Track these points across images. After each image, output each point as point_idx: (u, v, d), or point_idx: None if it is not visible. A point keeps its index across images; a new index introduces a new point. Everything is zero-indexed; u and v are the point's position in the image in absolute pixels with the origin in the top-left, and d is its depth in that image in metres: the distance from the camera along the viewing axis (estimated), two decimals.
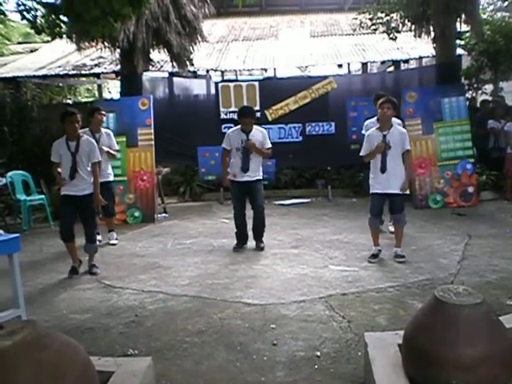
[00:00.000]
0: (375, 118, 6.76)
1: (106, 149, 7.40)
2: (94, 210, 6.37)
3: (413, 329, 2.71)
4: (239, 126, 6.87)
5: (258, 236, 7.03)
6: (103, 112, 7.62)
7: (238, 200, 6.97)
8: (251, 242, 7.08)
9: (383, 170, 6.01)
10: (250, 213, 7.06)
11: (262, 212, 6.98)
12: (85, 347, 2.42)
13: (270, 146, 6.92)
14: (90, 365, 2.50)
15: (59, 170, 6.09)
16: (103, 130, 7.61)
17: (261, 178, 6.94)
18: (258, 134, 6.85)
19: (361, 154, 6.28)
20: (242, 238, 7.06)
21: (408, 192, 6.23)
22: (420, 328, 2.65)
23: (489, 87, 12.29)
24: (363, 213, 7.55)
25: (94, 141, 6.43)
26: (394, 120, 6.40)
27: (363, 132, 6.94)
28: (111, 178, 7.70)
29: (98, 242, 6.86)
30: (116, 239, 7.71)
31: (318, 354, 3.71)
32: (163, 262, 6.52)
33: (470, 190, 9.27)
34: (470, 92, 11.53)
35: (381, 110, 6.06)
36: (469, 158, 9.41)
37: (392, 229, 6.79)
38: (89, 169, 6.15)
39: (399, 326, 3.67)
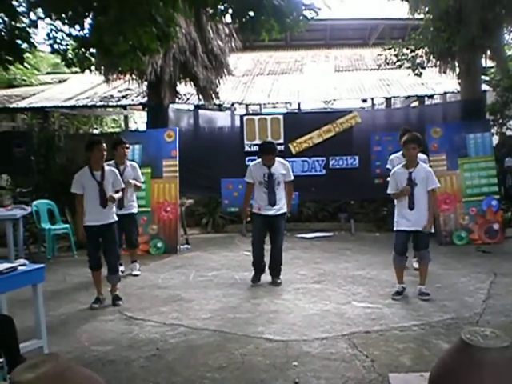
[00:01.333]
0: (400, 152, 6.72)
1: (132, 182, 7.49)
2: (116, 240, 6.41)
3: (439, 371, 2.66)
4: (261, 160, 6.89)
5: (276, 273, 6.98)
6: (127, 145, 7.65)
7: (260, 232, 6.92)
8: (267, 276, 7.03)
9: (411, 207, 5.97)
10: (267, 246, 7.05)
11: (281, 249, 6.97)
12: (105, 380, 2.41)
13: (292, 178, 6.93)
14: None
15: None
16: (128, 163, 7.68)
17: (285, 211, 6.91)
18: (281, 167, 6.84)
19: (388, 191, 6.23)
20: (259, 268, 7.00)
21: (433, 231, 6.17)
22: (446, 371, 2.60)
23: None
24: (387, 248, 7.49)
25: (116, 170, 6.56)
26: (420, 156, 6.38)
27: (388, 167, 6.91)
28: (135, 210, 7.75)
29: (120, 273, 6.90)
30: (139, 270, 7.73)
31: None
32: (185, 294, 6.51)
33: (495, 226, 9.14)
34: (496, 128, 11.45)
35: (406, 151, 6.04)
36: (494, 194, 9.30)
37: (416, 265, 6.70)
38: None
39: (424, 367, 3.61)
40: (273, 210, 6.76)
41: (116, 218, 6.31)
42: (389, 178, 6.35)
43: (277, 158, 6.86)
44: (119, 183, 6.37)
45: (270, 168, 6.75)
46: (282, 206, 6.83)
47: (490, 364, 2.46)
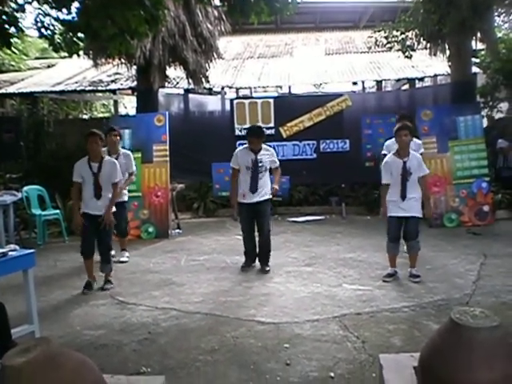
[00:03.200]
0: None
1: (131, 170, 7.60)
2: (111, 233, 6.42)
3: (428, 351, 2.67)
4: (247, 145, 6.83)
5: (264, 260, 6.91)
6: (116, 133, 7.54)
7: (248, 222, 6.90)
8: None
9: (403, 197, 6.00)
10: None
11: (268, 236, 6.90)
12: (98, 364, 2.40)
13: (278, 164, 6.90)
14: (104, 383, 2.49)
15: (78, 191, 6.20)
16: (122, 151, 7.60)
17: (269, 197, 6.84)
18: (266, 153, 6.79)
19: (383, 182, 6.21)
20: (251, 257, 6.98)
21: (421, 215, 6.20)
22: (436, 351, 2.61)
23: (504, 105, 12.23)
24: (377, 231, 7.54)
25: (116, 161, 6.46)
26: (415, 141, 6.40)
27: (384, 152, 6.92)
28: (126, 198, 7.72)
29: (126, 258, 7.38)
30: (127, 257, 7.67)
31: (332, 374, 3.68)
32: (176, 278, 6.52)
33: (486, 208, 9.19)
34: (486, 110, 11.47)
35: (399, 138, 6.04)
36: (484, 176, 9.34)
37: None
38: (110, 188, 6.24)
39: (414, 348, 3.63)
40: (255, 197, 6.70)
41: (114, 209, 6.33)
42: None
43: (264, 146, 6.83)
44: (117, 175, 6.30)
45: (256, 154, 6.71)
46: (265, 192, 6.76)
47: (479, 343, 2.47)
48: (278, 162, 6.92)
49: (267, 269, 6.79)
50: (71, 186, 6.26)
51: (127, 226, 8.04)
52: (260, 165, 6.69)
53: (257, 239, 6.99)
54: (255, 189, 6.68)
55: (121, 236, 7.79)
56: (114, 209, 6.36)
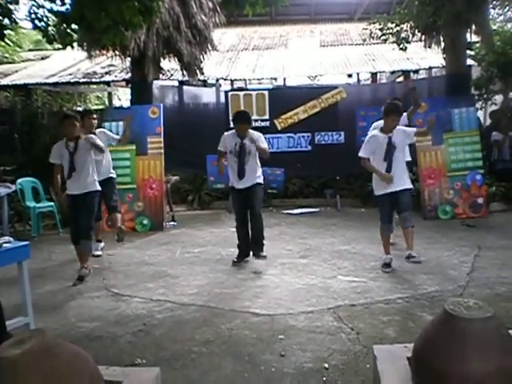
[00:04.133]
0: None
1: (116, 137, 7.60)
2: (91, 208, 6.36)
3: (422, 342, 2.68)
4: (235, 130, 6.69)
5: (258, 246, 6.68)
6: (94, 116, 7.52)
7: (239, 208, 6.75)
8: None
9: (389, 171, 6.05)
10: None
11: (260, 220, 6.64)
12: (92, 356, 2.41)
13: (265, 145, 6.66)
14: (99, 375, 2.49)
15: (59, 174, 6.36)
16: (98, 131, 7.48)
17: (260, 181, 6.69)
18: (254, 137, 6.55)
19: (361, 154, 6.24)
20: (244, 250, 6.81)
21: (411, 186, 6.32)
22: (429, 342, 2.62)
23: (499, 98, 12.26)
24: (372, 223, 7.54)
25: (93, 136, 6.50)
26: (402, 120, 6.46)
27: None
28: (113, 175, 7.68)
29: (100, 252, 7.36)
30: (122, 239, 7.69)
31: (326, 365, 3.69)
32: (171, 270, 6.52)
33: (480, 201, 9.21)
34: (480, 103, 11.49)
35: (388, 121, 6.10)
36: (478, 168, 9.36)
37: (392, 240, 6.72)
38: (90, 167, 6.31)
39: (408, 339, 3.64)
40: (243, 183, 6.58)
41: (94, 188, 6.36)
42: None
43: (251, 131, 6.64)
44: (100, 142, 6.42)
45: (242, 139, 6.58)
46: (255, 178, 6.61)
47: (473, 334, 2.48)
48: (264, 144, 6.65)
49: (263, 254, 6.60)
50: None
51: (117, 202, 7.86)
52: (245, 148, 6.54)
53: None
54: (242, 174, 6.55)
55: (111, 211, 7.76)
56: (91, 188, 6.36)
